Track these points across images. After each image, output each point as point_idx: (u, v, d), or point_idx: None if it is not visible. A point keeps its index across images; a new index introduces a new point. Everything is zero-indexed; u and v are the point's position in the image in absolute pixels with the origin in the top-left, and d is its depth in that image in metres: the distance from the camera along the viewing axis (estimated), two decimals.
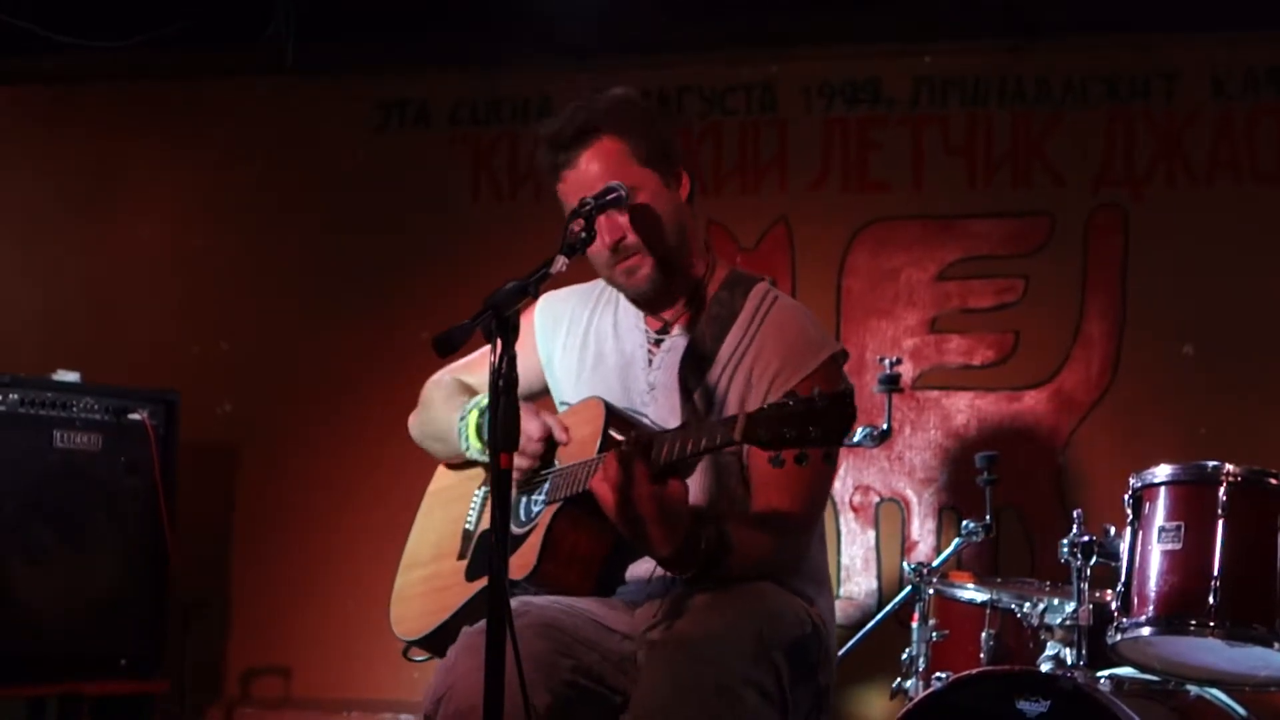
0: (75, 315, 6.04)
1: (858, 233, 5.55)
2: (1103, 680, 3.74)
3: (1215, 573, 3.56)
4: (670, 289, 3.20)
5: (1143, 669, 3.81)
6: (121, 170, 6.13)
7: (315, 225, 5.95)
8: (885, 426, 4.55)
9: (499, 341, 2.69)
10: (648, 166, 3.13)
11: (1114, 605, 3.75)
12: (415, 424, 3.49)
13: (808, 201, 5.60)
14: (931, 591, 4.24)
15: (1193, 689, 3.92)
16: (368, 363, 5.76)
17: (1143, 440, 5.21)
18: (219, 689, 5.80)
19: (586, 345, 3.31)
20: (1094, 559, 3.82)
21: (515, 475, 2.79)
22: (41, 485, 5.00)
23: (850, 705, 5.22)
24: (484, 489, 3.33)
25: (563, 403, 3.33)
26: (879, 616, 4.76)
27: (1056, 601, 4.01)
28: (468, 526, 3.32)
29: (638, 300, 3.24)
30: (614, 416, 3.08)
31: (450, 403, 3.36)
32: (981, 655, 4.21)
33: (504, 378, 2.67)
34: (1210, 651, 3.66)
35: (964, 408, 5.42)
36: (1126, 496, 3.79)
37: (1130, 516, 3.76)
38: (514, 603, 2.76)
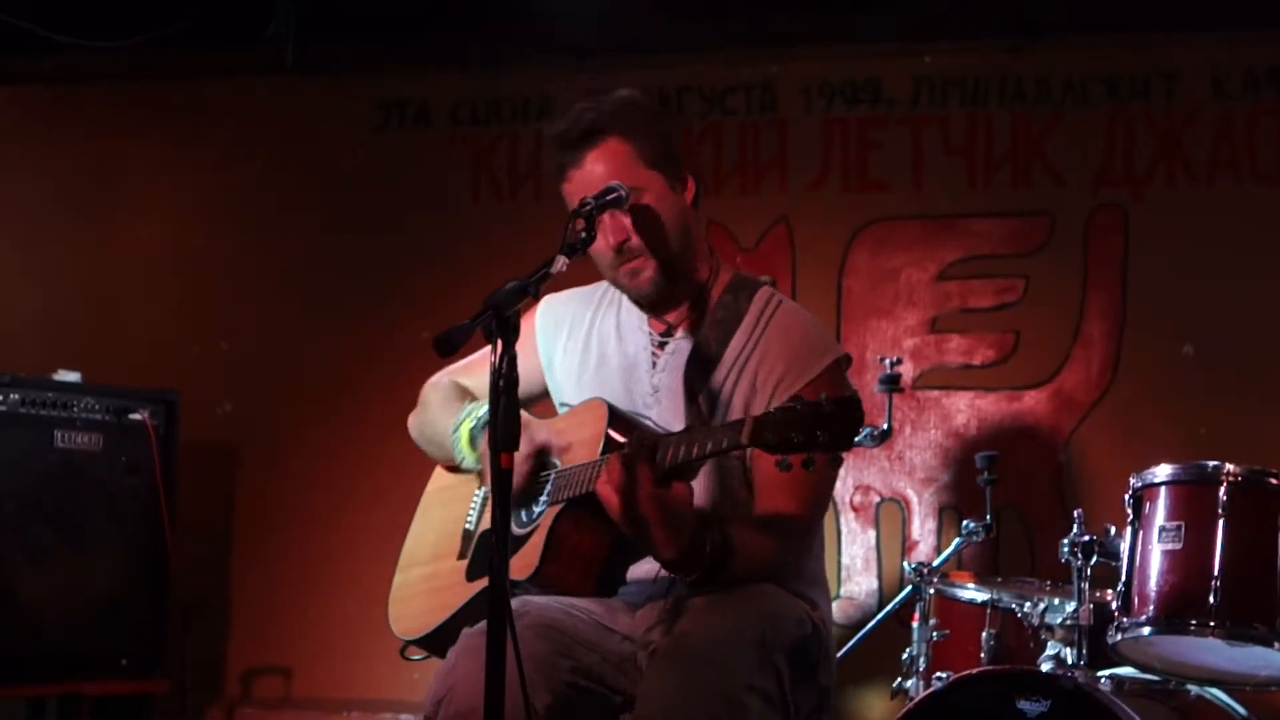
0: (75, 315, 6.03)
1: (858, 233, 5.55)
2: (1103, 680, 3.74)
3: (1215, 572, 3.56)
4: (673, 292, 3.19)
5: (1143, 669, 3.81)
6: (121, 170, 6.12)
7: (315, 225, 5.95)
8: (885, 426, 4.57)
9: (499, 341, 2.69)
10: (653, 169, 3.12)
11: (1114, 605, 3.75)
12: (414, 425, 3.48)
13: (808, 201, 5.60)
14: (932, 591, 4.24)
15: (1193, 689, 3.92)
16: (368, 363, 5.75)
17: (1143, 440, 5.20)
18: (219, 689, 5.80)
19: (588, 347, 3.30)
20: (1094, 559, 3.82)
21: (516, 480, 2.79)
22: (42, 485, 5.00)
23: (850, 705, 5.22)
24: (483, 489, 3.32)
25: (564, 404, 3.32)
26: (879, 616, 4.76)
27: (1057, 601, 4.01)
28: (468, 526, 3.32)
29: (640, 302, 3.23)
30: (616, 418, 3.08)
31: (445, 408, 3.35)
32: (982, 655, 4.21)
33: (504, 378, 2.67)
34: (1211, 651, 3.66)
35: (964, 407, 5.42)
36: (1127, 496, 3.78)
37: (1130, 516, 3.76)
38: (514, 603, 2.75)
